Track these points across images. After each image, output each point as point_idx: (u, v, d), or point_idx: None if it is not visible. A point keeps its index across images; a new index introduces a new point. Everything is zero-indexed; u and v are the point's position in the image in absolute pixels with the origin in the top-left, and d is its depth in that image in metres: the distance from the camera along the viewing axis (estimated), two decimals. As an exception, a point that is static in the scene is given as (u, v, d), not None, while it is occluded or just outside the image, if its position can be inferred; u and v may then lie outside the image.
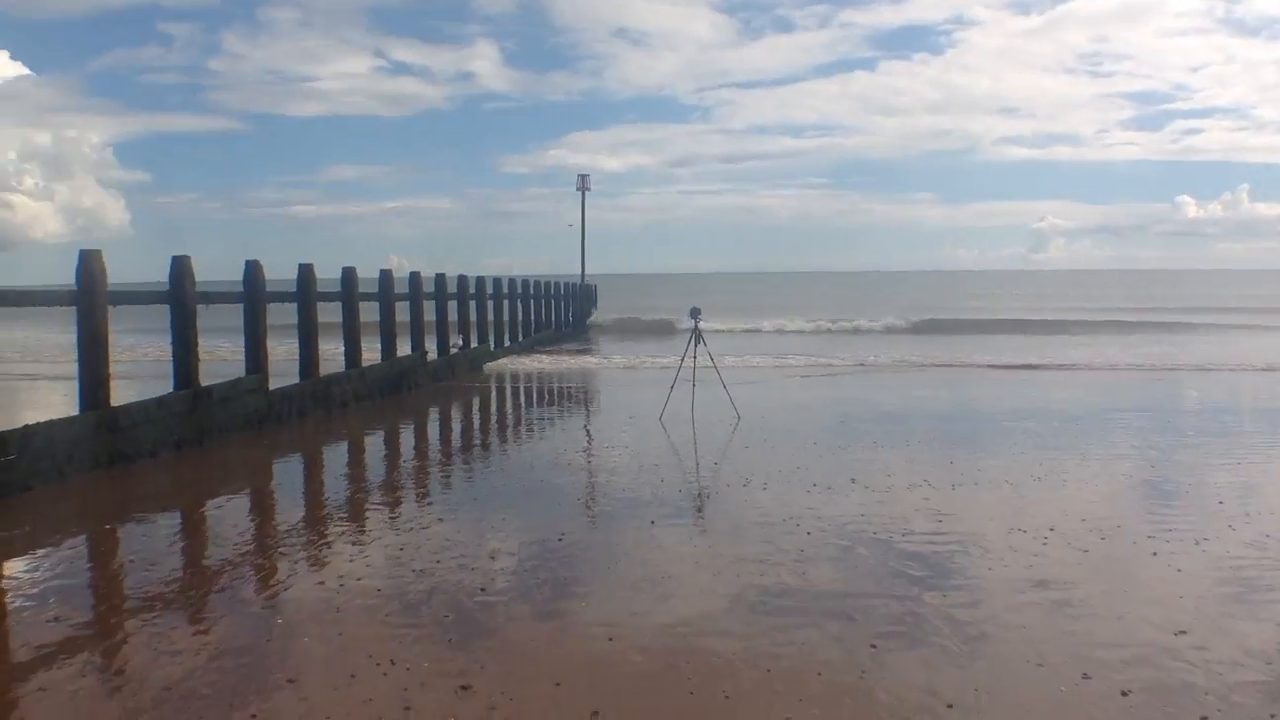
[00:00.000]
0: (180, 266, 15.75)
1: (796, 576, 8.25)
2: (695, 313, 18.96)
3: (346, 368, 21.36)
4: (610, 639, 6.83)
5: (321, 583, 8.15)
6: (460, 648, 6.65)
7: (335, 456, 15.62)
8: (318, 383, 19.63)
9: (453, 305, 28.65)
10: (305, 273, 19.83)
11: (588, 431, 17.54)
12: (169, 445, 14.76)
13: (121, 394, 14.65)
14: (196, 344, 15.94)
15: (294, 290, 19.76)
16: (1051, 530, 9.77)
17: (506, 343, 33.77)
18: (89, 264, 13.68)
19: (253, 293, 17.86)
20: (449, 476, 13.29)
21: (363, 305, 22.33)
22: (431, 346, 26.27)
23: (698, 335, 18.67)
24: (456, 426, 19.11)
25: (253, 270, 17.90)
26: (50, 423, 12.67)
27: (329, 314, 21.14)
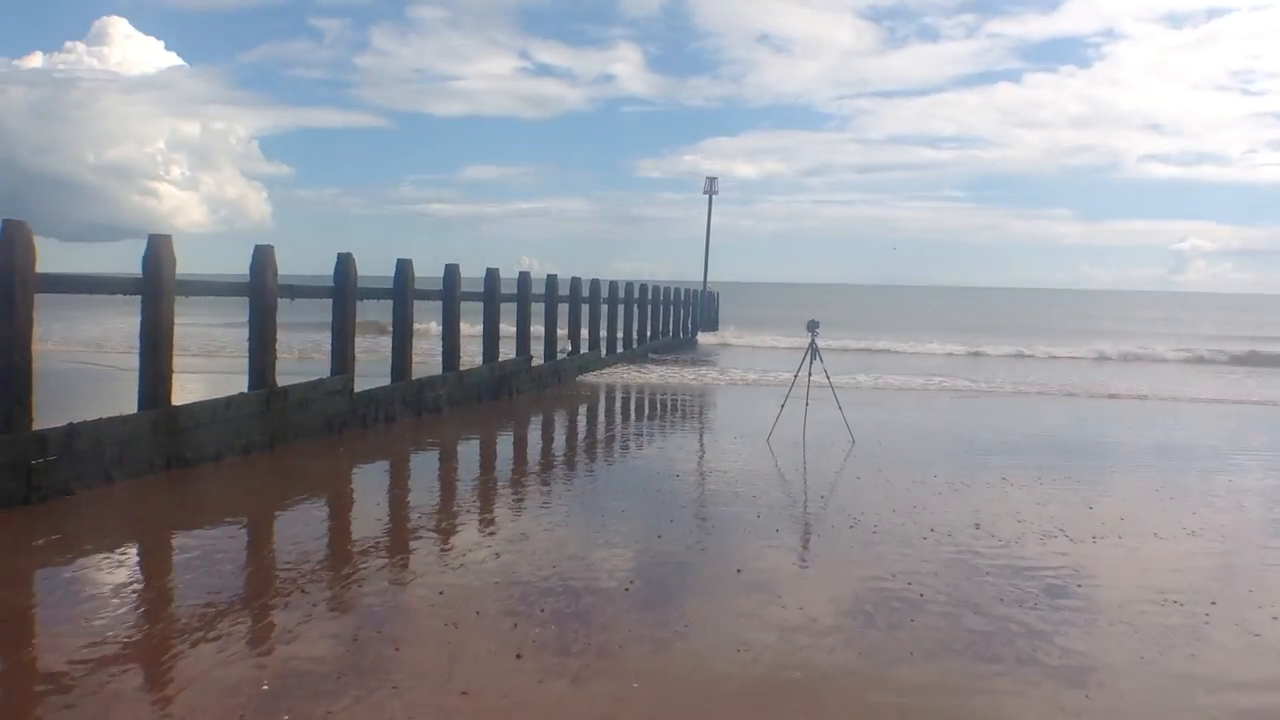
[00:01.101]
0: (261, 257, 14.82)
1: (905, 659, 6.73)
2: (813, 326, 17.43)
3: (444, 370, 20.30)
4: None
5: (326, 639, 6.89)
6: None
7: (405, 469, 14.46)
8: (409, 386, 18.58)
9: (569, 310, 27.63)
10: (403, 269, 18.77)
11: (687, 451, 16.14)
12: (235, 449, 13.79)
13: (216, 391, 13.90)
14: (275, 341, 14.97)
15: (388, 287, 18.71)
16: (1213, 605, 8.15)
17: (620, 349, 32.53)
18: (156, 250, 12.75)
19: (343, 287, 16.85)
20: (521, 498, 12.03)
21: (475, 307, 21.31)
22: (539, 351, 25.23)
23: (814, 350, 17.15)
24: (545, 439, 17.84)
25: (344, 264, 16.89)
26: (98, 421, 11.72)
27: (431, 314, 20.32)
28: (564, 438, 18.14)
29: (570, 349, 27.67)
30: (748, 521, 10.57)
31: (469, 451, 15.93)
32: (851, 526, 10.45)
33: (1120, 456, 16.39)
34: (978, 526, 10.55)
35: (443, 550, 9.35)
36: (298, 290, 16.07)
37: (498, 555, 8.99)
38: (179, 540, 9.61)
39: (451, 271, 20.71)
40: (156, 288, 12.72)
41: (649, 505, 11.33)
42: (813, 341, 17.21)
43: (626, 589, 8.07)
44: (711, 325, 50.17)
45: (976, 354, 41.42)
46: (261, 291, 14.73)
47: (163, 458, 12.57)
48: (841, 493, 12.68)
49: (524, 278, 24.61)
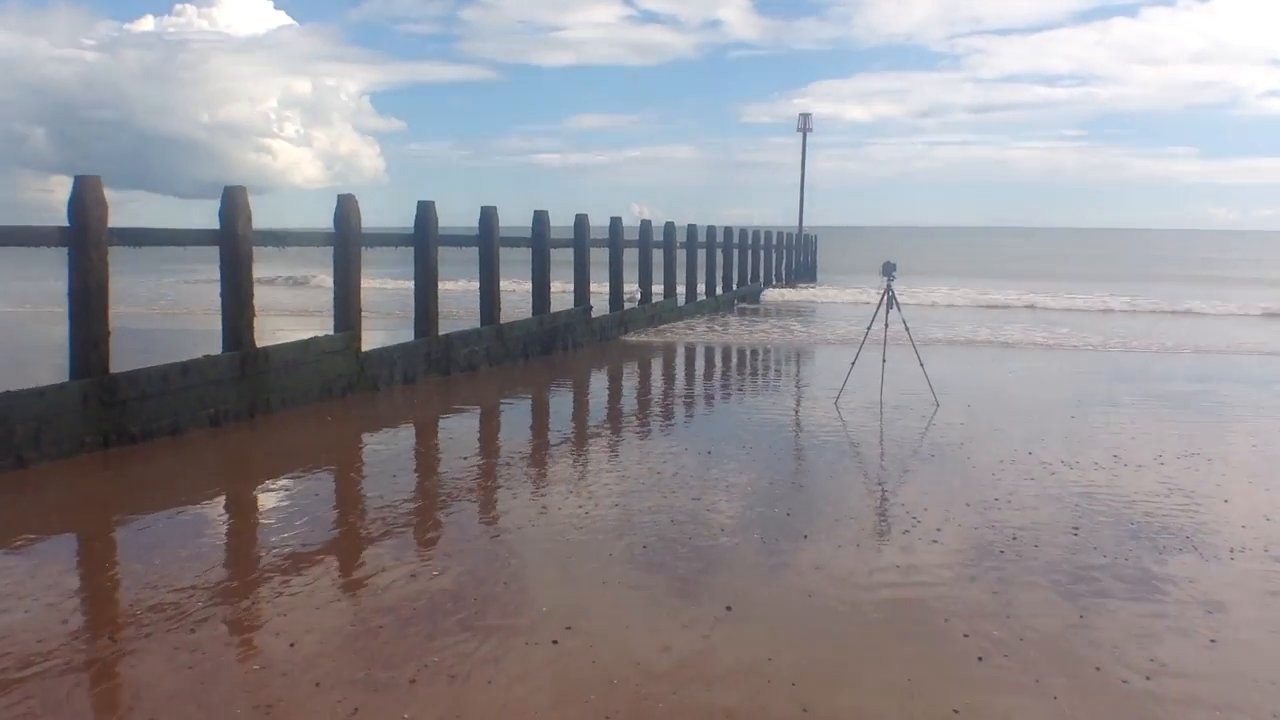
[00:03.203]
0: (233, 200, 12.73)
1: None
2: (889, 270, 14.77)
3: (482, 324, 18.15)
4: None
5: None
6: None
7: (394, 441, 12.23)
8: (435, 342, 16.44)
9: (640, 256, 25.39)
10: (424, 212, 16.57)
11: (735, 420, 13.67)
12: (201, 421, 11.84)
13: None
14: (251, 296, 12.91)
15: (410, 233, 16.55)
16: None
17: (701, 297, 30.02)
18: (82, 193, 10.79)
19: (345, 234, 14.73)
20: (511, 488, 9.72)
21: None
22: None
23: (890, 298, 14.55)
24: (578, 404, 15.48)
25: (345, 207, 14.76)
26: (7, 395, 9.80)
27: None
28: (594, 402, 15.75)
29: (640, 297, 25.31)
30: (772, 525, 8.17)
31: (484, 419, 13.74)
32: (907, 530, 8.00)
33: (1264, 425, 13.48)
34: (1076, 531, 8.02)
35: (343, 587, 7.11)
36: (283, 237, 14.00)
37: (437, 572, 6.75)
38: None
39: (488, 214, 18.46)
40: (85, 237, 10.78)
41: (654, 501, 8.94)
42: (889, 287, 14.60)
43: (556, 641, 5.75)
44: (808, 273, 47.15)
45: (1093, 308, 37.97)
46: (233, 239, 12.66)
47: (98, 434, 10.69)
48: (909, 476, 10.19)
49: (581, 221, 22.31)
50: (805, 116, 50.89)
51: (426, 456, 11.38)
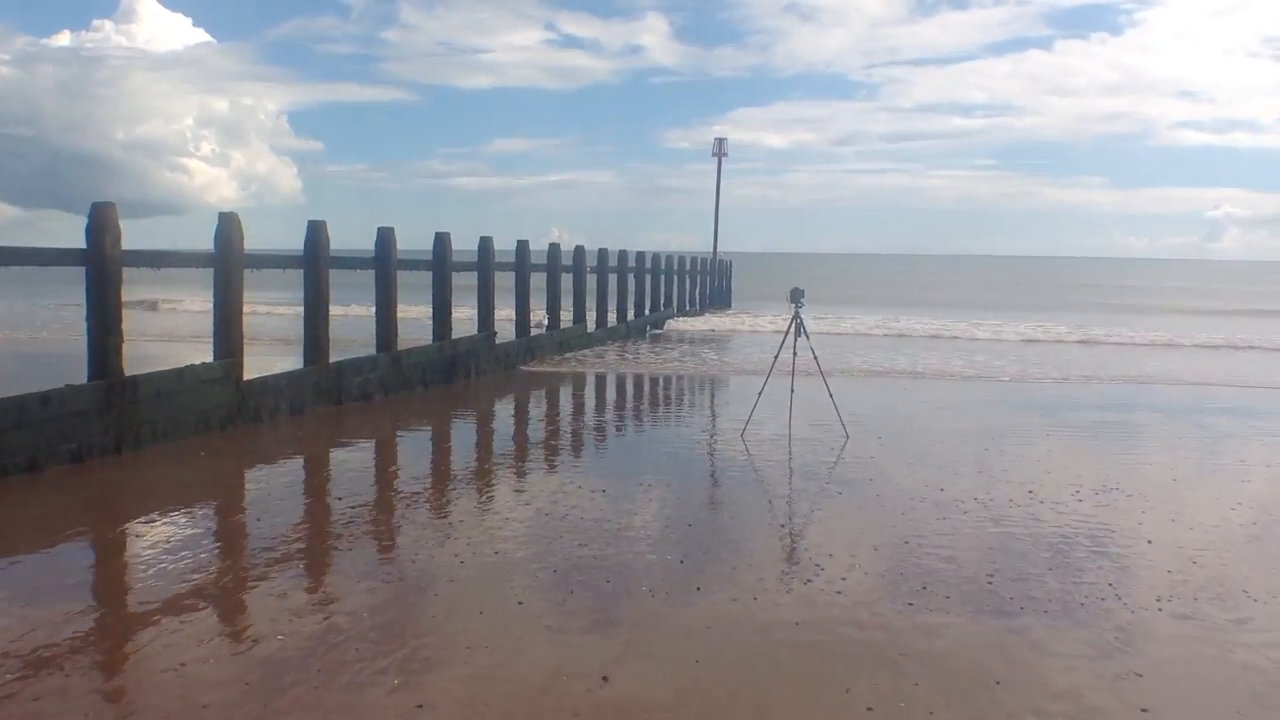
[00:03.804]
0: (101, 217, 11.88)
1: None
2: (796, 296, 14.27)
3: (378, 350, 17.35)
4: None
5: None
6: None
7: (264, 485, 11.09)
8: (324, 371, 15.61)
9: (548, 281, 24.81)
10: (315, 233, 15.79)
11: (640, 454, 13.13)
12: (63, 456, 10.97)
13: None
14: (119, 321, 12.03)
15: (299, 255, 15.74)
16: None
17: (612, 323, 29.38)
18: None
19: (226, 255, 13.88)
20: (385, 536, 9.00)
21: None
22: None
23: (799, 325, 14.04)
24: (473, 438, 14.78)
25: (226, 225, 13.92)
26: None
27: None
28: (487, 435, 15.00)
29: (546, 323, 24.65)
30: (663, 575, 7.52)
31: (369, 455, 12.99)
32: (809, 580, 7.40)
33: (1182, 456, 13.14)
34: (991, 579, 7.47)
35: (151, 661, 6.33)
36: (158, 257, 13.14)
37: (282, 637, 6.00)
38: None
39: (385, 235, 17.70)
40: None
41: (532, 549, 8.27)
42: (796, 314, 14.10)
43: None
44: (723, 298, 46.71)
45: (1001, 337, 37.90)
46: (100, 259, 11.80)
47: (-58, 472, 9.78)
48: (815, 515, 9.64)
49: (485, 243, 21.58)
50: (720, 141, 50.53)
51: (300, 498, 10.57)
